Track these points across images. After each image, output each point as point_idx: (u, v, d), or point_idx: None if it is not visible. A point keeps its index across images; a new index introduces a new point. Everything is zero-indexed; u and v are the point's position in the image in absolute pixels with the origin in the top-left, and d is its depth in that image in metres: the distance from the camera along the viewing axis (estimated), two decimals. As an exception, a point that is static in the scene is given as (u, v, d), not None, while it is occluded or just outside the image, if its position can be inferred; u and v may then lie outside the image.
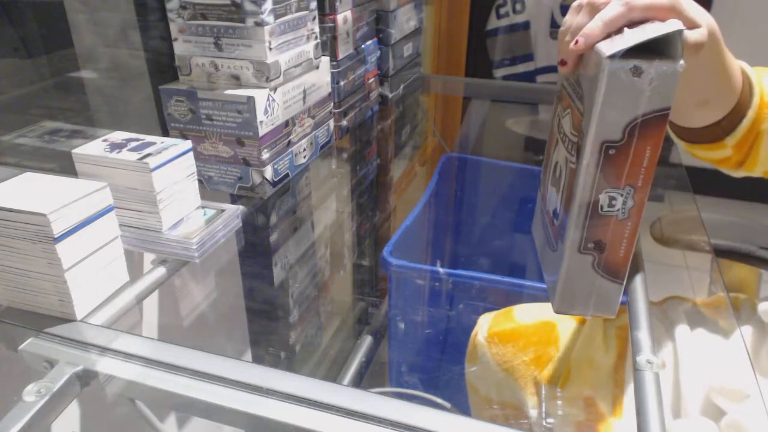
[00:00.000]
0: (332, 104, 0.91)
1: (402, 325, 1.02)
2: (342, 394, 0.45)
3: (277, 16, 0.70)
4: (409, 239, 1.04)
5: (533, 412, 0.76)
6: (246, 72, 0.71)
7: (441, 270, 0.97)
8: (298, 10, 0.75)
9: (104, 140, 0.64)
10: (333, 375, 1.11)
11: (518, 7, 2.35)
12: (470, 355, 0.85)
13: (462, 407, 0.89)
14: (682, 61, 0.41)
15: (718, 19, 0.53)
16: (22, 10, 0.67)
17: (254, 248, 0.91)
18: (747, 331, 0.68)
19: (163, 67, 0.76)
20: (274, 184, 0.76)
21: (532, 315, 0.83)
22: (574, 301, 0.51)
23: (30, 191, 0.52)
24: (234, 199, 0.76)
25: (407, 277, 0.96)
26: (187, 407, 0.47)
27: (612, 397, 0.70)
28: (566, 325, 0.80)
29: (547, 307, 0.84)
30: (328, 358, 1.20)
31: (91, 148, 0.62)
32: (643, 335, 0.55)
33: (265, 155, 0.73)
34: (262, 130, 0.71)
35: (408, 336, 1.04)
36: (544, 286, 0.92)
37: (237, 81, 0.72)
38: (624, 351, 0.73)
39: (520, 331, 0.80)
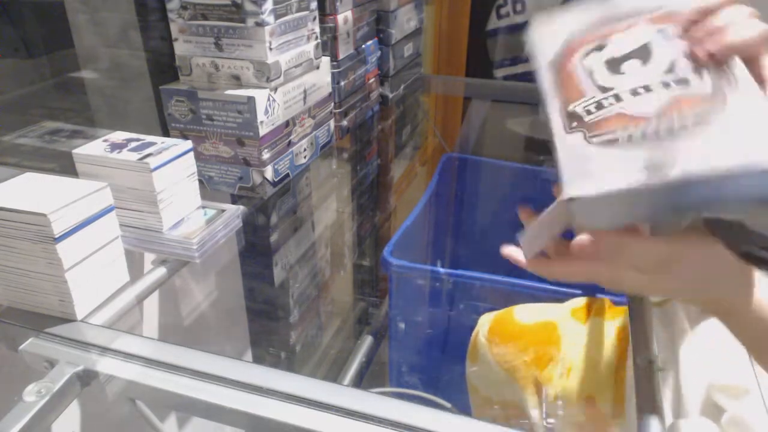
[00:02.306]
0: (333, 104, 0.91)
1: (402, 325, 1.02)
2: (342, 394, 0.45)
3: (277, 17, 0.70)
4: (409, 239, 1.04)
5: (534, 412, 0.76)
6: (246, 72, 0.71)
7: (441, 270, 0.97)
8: (299, 10, 0.75)
9: (105, 140, 0.64)
10: (333, 375, 1.11)
11: (519, 7, 2.35)
12: (471, 355, 0.85)
13: (462, 407, 0.89)
14: None
15: None
16: (22, 10, 0.67)
17: (254, 248, 0.91)
18: None
19: (164, 68, 0.76)
20: (274, 184, 0.76)
21: (533, 315, 0.83)
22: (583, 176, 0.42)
23: (30, 191, 0.52)
24: (234, 199, 0.76)
25: (408, 277, 0.96)
26: (188, 407, 0.47)
27: (612, 397, 0.70)
28: (567, 325, 0.80)
29: (548, 307, 0.84)
30: (329, 358, 1.20)
31: (91, 148, 0.62)
32: (644, 336, 0.55)
33: (266, 155, 0.73)
34: (263, 130, 0.71)
35: (408, 336, 1.03)
36: (544, 286, 0.92)
37: (237, 81, 0.72)
38: (624, 351, 0.73)
39: (521, 331, 0.80)
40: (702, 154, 0.37)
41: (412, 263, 0.96)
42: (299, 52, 0.77)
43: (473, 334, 0.85)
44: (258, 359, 1.08)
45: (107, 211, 0.55)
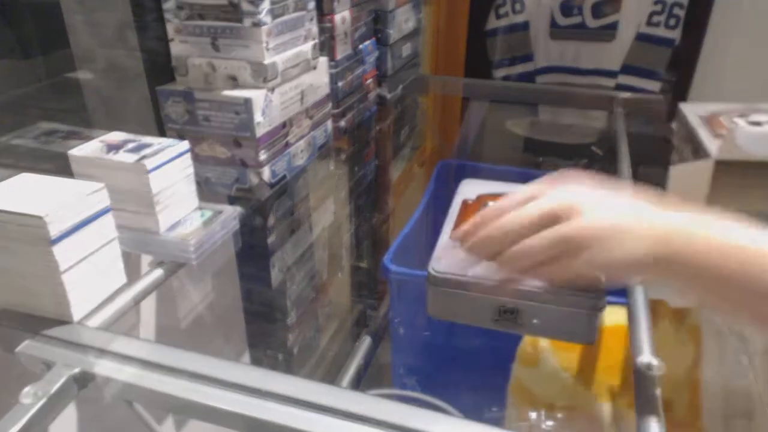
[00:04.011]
0: (330, 105, 0.91)
1: (405, 332, 1.02)
2: (340, 397, 0.44)
3: (274, 17, 0.70)
4: (407, 247, 1.04)
5: (610, 418, 0.74)
6: (243, 72, 0.71)
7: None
8: (296, 10, 0.75)
9: (101, 141, 0.63)
10: (331, 377, 1.11)
11: (518, 7, 2.35)
12: (527, 358, 0.82)
13: (465, 411, 0.89)
14: None
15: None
16: (18, 10, 0.67)
17: (252, 250, 0.91)
18: None
19: (160, 68, 0.75)
20: (271, 185, 0.76)
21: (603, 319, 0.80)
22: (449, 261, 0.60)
23: (26, 193, 0.51)
24: (231, 201, 0.76)
25: (408, 284, 0.96)
26: (185, 410, 0.46)
27: (689, 401, 0.69)
28: None
29: (614, 310, 0.82)
30: (326, 360, 1.20)
31: (87, 149, 0.62)
32: (643, 336, 0.55)
33: (263, 156, 0.73)
34: (260, 131, 0.71)
35: (411, 342, 1.03)
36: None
37: (234, 82, 0.72)
38: (699, 353, 0.71)
39: None
40: None
41: (412, 270, 0.95)
42: (296, 53, 0.77)
43: (525, 337, 0.83)
44: (256, 361, 1.08)
45: (103, 212, 0.54)
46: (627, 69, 2.30)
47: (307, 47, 0.79)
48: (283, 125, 0.77)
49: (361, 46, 0.99)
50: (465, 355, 0.88)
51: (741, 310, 0.45)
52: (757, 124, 0.63)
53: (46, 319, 0.53)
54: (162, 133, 0.75)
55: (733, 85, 2.36)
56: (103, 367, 0.49)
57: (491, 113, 1.81)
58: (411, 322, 1.01)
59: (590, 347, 0.77)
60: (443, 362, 1.05)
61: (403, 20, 1.13)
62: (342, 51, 0.92)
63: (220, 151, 0.73)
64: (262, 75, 0.70)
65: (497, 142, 2.02)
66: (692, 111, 0.72)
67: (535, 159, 2.19)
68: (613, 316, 0.81)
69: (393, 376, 1.06)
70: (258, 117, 0.70)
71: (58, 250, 0.50)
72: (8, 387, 0.48)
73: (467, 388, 0.95)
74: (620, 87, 2.30)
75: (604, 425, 0.74)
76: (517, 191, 0.50)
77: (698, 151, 0.65)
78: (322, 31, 0.87)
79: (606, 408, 0.75)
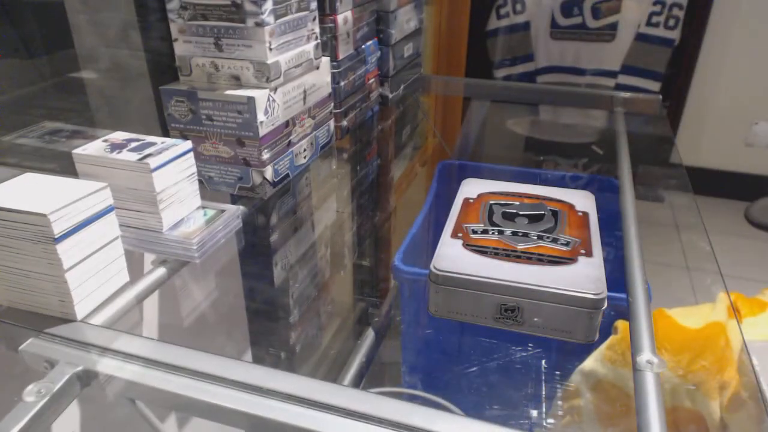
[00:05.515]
0: (332, 104, 0.91)
1: (414, 332, 1.02)
2: (342, 395, 0.45)
3: (277, 17, 0.70)
4: (413, 247, 1.04)
5: (713, 414, 0.74)
6: (246, 72, 0.71)
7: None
8: (299, 10, 0.75)
9: (105, 140, 0.64)
10: (333, 375, 1.11)
11: (518, 7, 2.35)
12: (621, 360, 0.81)
13: (473, 411, 0.89)
14: None
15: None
16: (22, 10, 0.67)
17: (254, 249, 0.91)
18: None
19: (164, 68, 0.76)
20: (274, 184, 0.76)
21: (698, 318, 0.80)
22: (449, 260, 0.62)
23: (30, 191, 0.52)
24: (234, 200, 0.76)
25: (419, 285, 0.96)
26: (188, 407, 0.47)
27: None
28: (732, 322, 0.78)
29: (703, 308, 0.82)
30: (329, 358, 1.20)
31: (91, 149, 0.62)
32: (644, 335, 0.55)
33: (266, 155, 0.73)
34: (263, 131, 0.71)
35: (420, 342, 1.03)
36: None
37: (237, 81, 0.72)
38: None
39: (694, 337, 0.78)
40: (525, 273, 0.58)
41: (423, 269, 0.96)
42: (299, 53, 0.77)
43: (613, 339, 0.82)
44: (258, 359, 1.08)
45: (107, 211, 0.55)
46: (627, 69, 2.31)
47: (309, 47, 0.79)
48: (286, 124, 0.77)
49: (363, 46, 0.99)
50: (478, 354, 0.88)
51: None
52: None
53: (49, 317, 0.53)
54: (165, 132, 0.75)
55: (732, 84, 2.36)
56: (106, 365, 0.49)
57: (492, 113, 1.81)
58: (421, 322, 1.01)
59: (695, 347, 0.77)
60: (453, 361, 1.05)
61: (404, 20, 1.14)
62: (344, 51, 0.92)
63: (223, 151, 0.73)
64: (265, 75, 0.71)
65: (498, 141, 2.03)
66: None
67: (536, 158, 2.20)
68: (705, 310, 0.80)
69: (402, 375, 1.06)
70: (261, 116, 0.70)
71: (62, 249, 0.50)
72: (12, 385, 0.48)
73: (484, 387, 0.95)
74: (620, 87, 2.31)
75: (709, 422, 0.74)
76: None
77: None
78: (324, 31, 0.88)
79: (713, 405, 0.75)
